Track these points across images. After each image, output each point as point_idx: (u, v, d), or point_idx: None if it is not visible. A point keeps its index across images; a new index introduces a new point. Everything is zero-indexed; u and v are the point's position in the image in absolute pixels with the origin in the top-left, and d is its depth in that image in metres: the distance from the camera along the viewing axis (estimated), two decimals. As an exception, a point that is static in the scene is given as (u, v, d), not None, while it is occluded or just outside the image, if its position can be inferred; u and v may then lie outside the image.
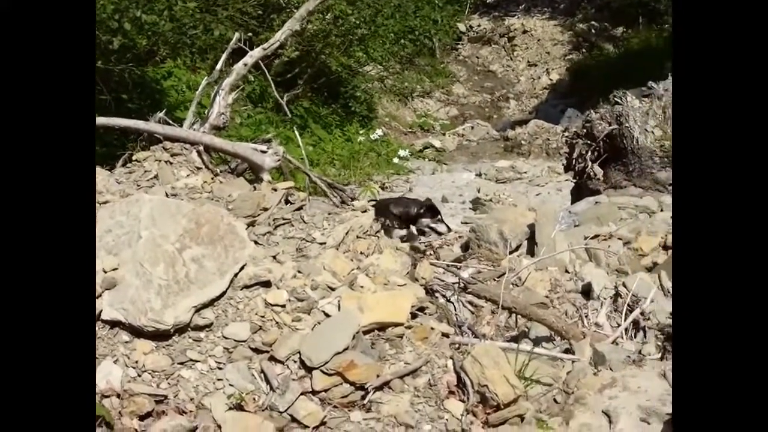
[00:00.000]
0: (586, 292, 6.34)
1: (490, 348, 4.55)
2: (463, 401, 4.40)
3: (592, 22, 27.33)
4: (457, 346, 4.92)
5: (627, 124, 11.19)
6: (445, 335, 4.89)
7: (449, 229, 7.97)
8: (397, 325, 4.72)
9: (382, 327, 4.69)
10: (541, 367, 4.81)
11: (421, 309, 5.07)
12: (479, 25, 27.85)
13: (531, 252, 7.43)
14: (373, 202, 8.11)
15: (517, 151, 17.69)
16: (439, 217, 8.07)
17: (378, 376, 4.40)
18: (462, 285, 5.89)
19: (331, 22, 15.39)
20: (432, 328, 4.81)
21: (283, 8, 14.36)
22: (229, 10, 12.66)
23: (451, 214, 12.07)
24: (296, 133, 10.03)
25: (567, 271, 6.93)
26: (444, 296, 5.87)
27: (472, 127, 19.97)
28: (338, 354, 4.36)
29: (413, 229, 7.94)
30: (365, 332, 4.60)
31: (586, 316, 5.97)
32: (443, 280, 6.04)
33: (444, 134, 19.64)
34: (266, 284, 4.76)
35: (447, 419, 4.31)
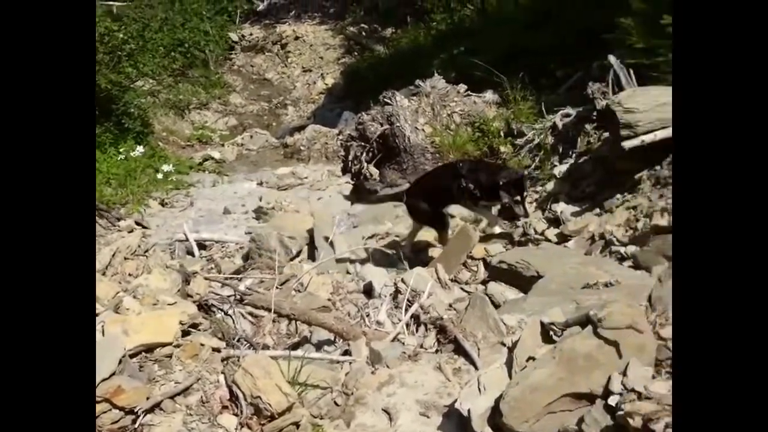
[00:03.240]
0: (368, 291, 6.39)
1: (260, 358, 4.50)
2: (237, 415, 4.33)
3: (362, 25, 27.86)
4: (233, 359, 4.83)
5: (398, 124, 11.45)
6: (217, 350, 4.80)
7: (527, 214, 7.35)
8: (164, 345, 4.60)
9: (150, 348, 4.56)
10: (318, 371, 4.80)
11: (194, 325, 4.96)
12: (251, 34, 27.83)
13: (312, 257, 7.45)
14: (461, 164, 7.39)
15: (297, 157, 17.72)
16: (520, 197, 7.16)
17: (148, 398, 4.26)
18: (238, 297, 5.80)
19: (98, 40, 14.90)
20: (202, 345, 4.72)
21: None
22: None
23: (234, 225, 11.95)
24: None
25: (348, 273, 6.98)
26: (221, 310, 5.76)
27: (251, 136, 19.84)
28: (105, 380, 4.19)
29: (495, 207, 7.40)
30: (132, 355, 4.46)
31: (367, 315, 6.01)
32: (219, 294, 5.93)
33: (223, 145, 19.41)
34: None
35: (220, 434, 4.23)
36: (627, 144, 7.96)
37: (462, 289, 6.60)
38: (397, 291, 6.13)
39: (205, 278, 6.09)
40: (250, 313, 5.90)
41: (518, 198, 7.08)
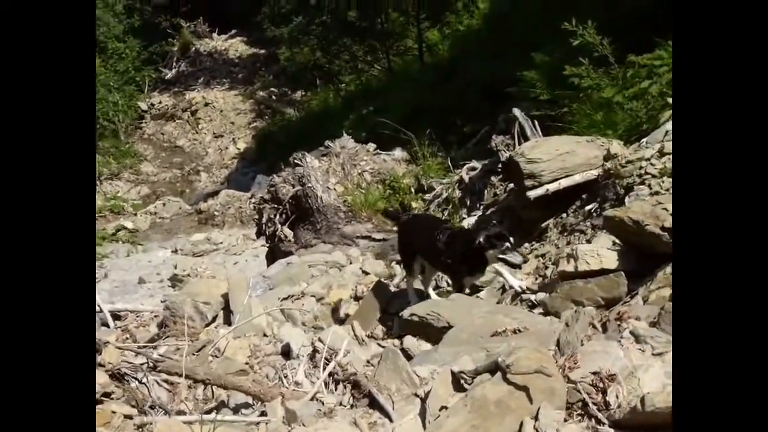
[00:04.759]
0: (286, 352, 6.37)
1: (173, 423, 4.49)
2: (150, 480, 4.29)
3: (272, 89, 28.10)
4: (147, 426, 4.79)
5: (309, 184, 11.52)
6: (129, 417, 4.76)
7: (525, 260, 6.89)
8: (78, 414, 4.53)
9: (63, 418, 4.49)
10: (234, 433, 4.79)
11: (107, 394, 4.91)
12: (161, 102, 27.83)
13: (228, 321, 7.41)
14: (448, 236, 6.88)
15: (212, 223, 17.71)
16: (508, 244, 6.59)
17: (62, 468, 4.18)
18: (151, 365, 5.76)
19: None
20: (114, 412, 4.67)
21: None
22: None
23: (150, 294, 11.87)
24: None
25: (266, 335, 6.96)
26: (135, 378, 5.71)
27: (164, 204, 19.76)
28: (16, 454, 4.10)
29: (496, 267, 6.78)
30: (43, 428, 4.38)
31: (285, 377, 5.99)
32: (132, 363, 5.87)
33: (136, 214, 19.32)
34: None
35: (137, 500, 4.19)
36: (532, 194, 8.16)
37: (379, 344, 6.64)
38: (315, 350, 6.13)
39: (118, 348, 6.01)
40: (166, 381, 5.85)
41: (507, 245, 6.61)
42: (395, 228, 8.78)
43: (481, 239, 6.55)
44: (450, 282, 7.52)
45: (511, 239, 6.70)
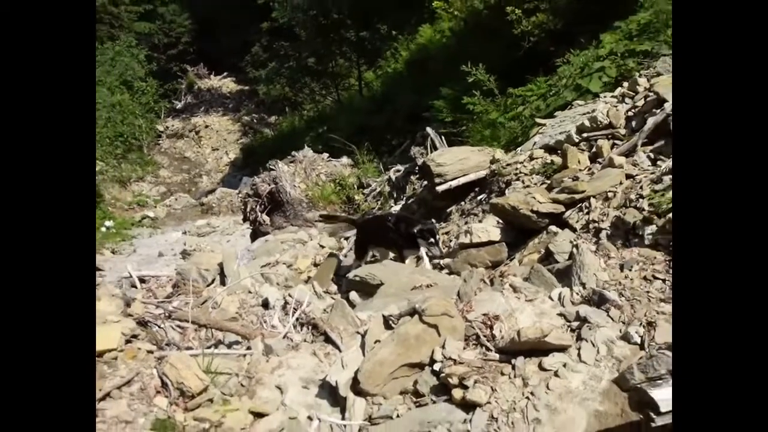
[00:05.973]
0: (265, 304, 6.33)
1: (182, 355, 4.45)
2: (167, 397, 4.23)
3: (254, 115, 28.05)
4: (164, 358, 4.74)
5: (281, 183, 11.46)
6: (150, 352, 4.70)
7: (442, 255, 6.65)
8: (111, 350, 4.47)
9: (100, 353, 4.41)
10: (228, 362, 4.75)
11: (134, 336, 4.85)
12: (173, 125, 27.75)
13: (223, 283, 7.34)
14: (396, 219, 6.88)
15: (211, 212, 17.67)
16: (432, 240, 6.44)
17: (100, 390, 4.11)
18: (167, 314, 5.69)
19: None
20: (139, 349, 4.61)
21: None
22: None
23: (167, 264, 11.66)
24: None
25: (250, 292, 6.90)
26: (155, 324, 5.63)
27: (176, 199, 19.64)
28: (66, 381, 4.02)
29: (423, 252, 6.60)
30: (87, 360, 4.30)
31: (265, 322, 5.95)
32: (152, 313, 5.79)
33: (156, 207, 19.16)
34: None
35: (156, 411, 4.12)
36: (440, 188, 8.23)
37: (332, 297, 6.62)
38: (286, 302, 6.10)
39: (142, 302, 5.92)
40: (178, 326, 5.78)
41: (432, 241, 6.53)
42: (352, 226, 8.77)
43: (416, 230, 6.51)
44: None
45: (438, 236, 6.65)
